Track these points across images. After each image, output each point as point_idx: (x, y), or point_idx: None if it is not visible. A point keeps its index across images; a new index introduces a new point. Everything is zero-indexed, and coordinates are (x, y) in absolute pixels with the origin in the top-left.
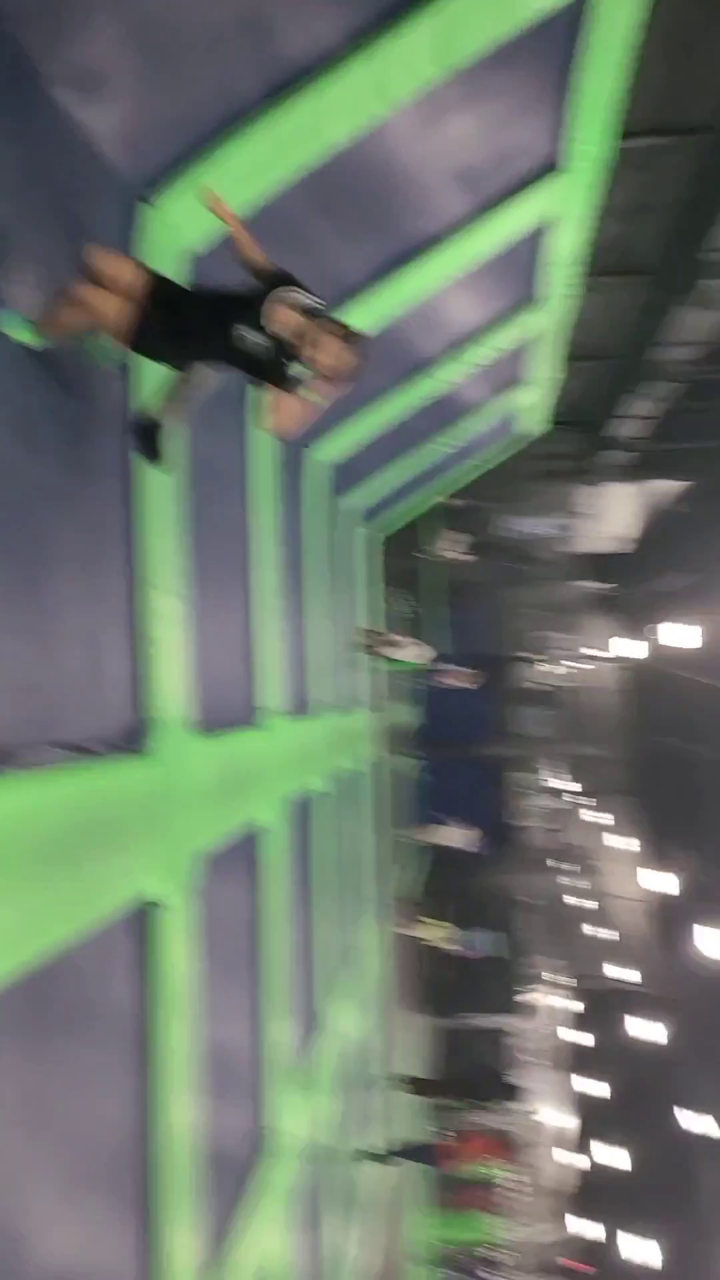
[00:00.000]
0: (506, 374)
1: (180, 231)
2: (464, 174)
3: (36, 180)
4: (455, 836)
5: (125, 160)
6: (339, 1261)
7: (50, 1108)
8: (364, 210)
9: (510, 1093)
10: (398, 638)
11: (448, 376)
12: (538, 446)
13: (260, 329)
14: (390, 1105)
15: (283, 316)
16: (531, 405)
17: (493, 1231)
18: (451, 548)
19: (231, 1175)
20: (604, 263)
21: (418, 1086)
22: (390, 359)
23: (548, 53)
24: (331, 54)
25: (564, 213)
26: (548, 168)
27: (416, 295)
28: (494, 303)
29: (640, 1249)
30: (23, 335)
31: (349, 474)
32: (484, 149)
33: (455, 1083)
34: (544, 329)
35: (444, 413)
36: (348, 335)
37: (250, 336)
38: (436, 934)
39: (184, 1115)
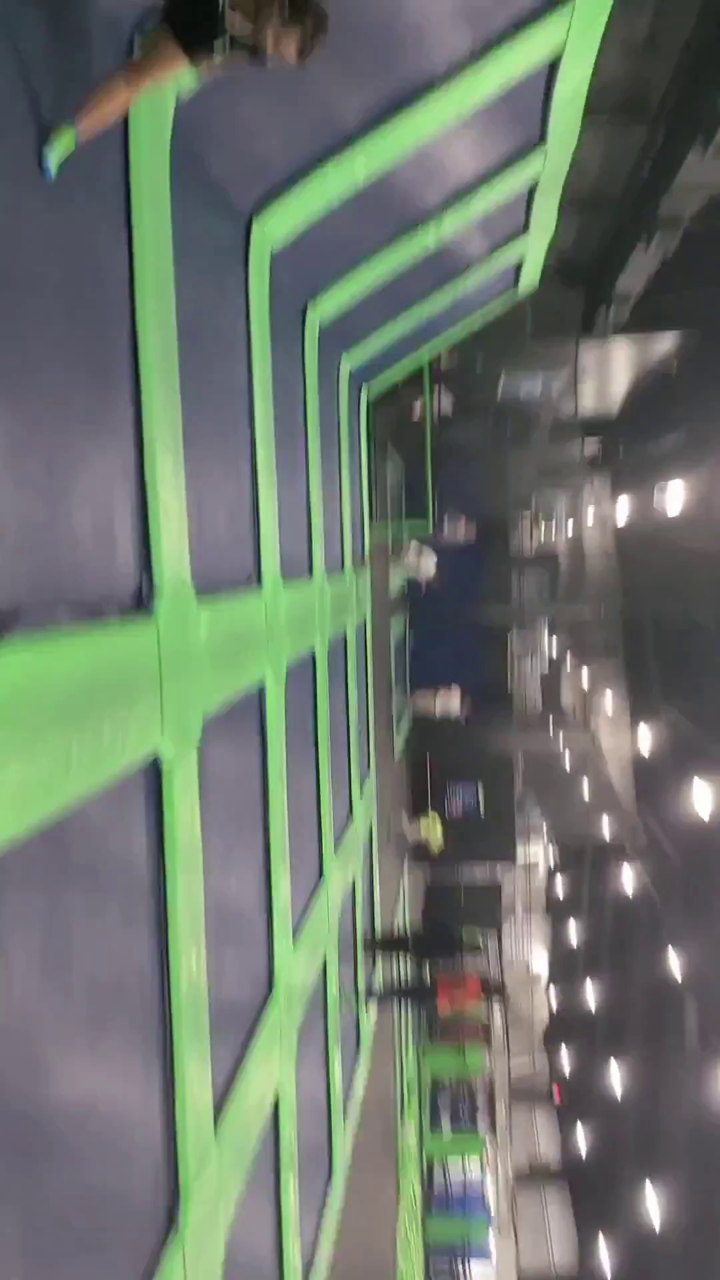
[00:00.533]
0: (505, 224)
1: None
2: (466, 7)
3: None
4: (444, 703)
5: None
6: (342, 1093)
7: (70, 954)
8: (361, 50)
9: (453, 949)
10: (404, 550)
11: (446, 227)
12: (533, 302)
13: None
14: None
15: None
16: (529, 257)
17: (479, 1063)
18: (435, 406)
19: (241, 1016)
20: (607, 102)
21: (373, 944)
22: (387, 210)
23: None
24: None
25: (570, 48)
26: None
27: (415, 140)
28: (495, 147)
29: (610, 1078)
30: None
31: (343, 333)
32: None
33: (403, 940)
34: (545, 175)
35: (440, 266)
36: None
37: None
38: (433, 832)
39: (196, 961)
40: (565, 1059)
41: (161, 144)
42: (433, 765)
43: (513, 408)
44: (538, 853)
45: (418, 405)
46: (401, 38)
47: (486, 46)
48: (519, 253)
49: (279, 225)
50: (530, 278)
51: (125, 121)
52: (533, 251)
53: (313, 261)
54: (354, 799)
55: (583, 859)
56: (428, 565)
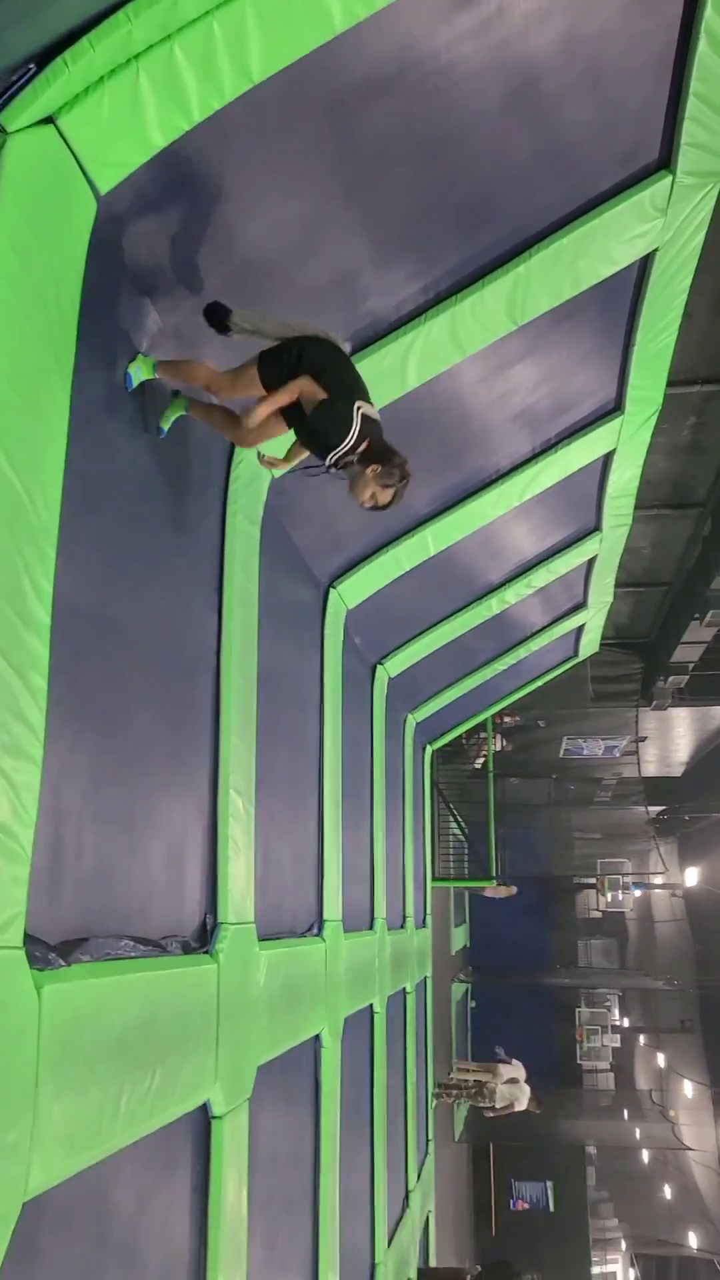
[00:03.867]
0: (565, 597)
1: None
2: (527, 415)
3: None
4: (500, 1071)
5: None
6: None
7: None
8: (433, 447)
9: None
10: (478, 1073)
11: (508, 599)
12: (594, 669)
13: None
14: None
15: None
16: (587, 628)
17: None
18: (496, 760)
19: None
20: (656, 496)
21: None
22: (453, 582)
23: (609, 311)
24: (414, 310)
25: (621, 451)
26: (606, 410)
27: (479, 523)
28: (553, 532)
29: None
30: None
31: (409, 692)
32: (546, 393)
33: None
34: (602, 556)
35: (503, 634)
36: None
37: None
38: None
39: None
40: None
41: (254, 515)
42: (495, 1156)
43: (575, 769)
44: (615, 1269)
45: (480, 760)
46: (469, 439)
47: (545, 448)
48: (579, 622)
49: (353, 593)
50: (590, 646)
51: (225, 492)
52: (592, 622)
53: (383, 626)
54: (410, 1185)
55: (668, 1276)
56: (523, 1094)
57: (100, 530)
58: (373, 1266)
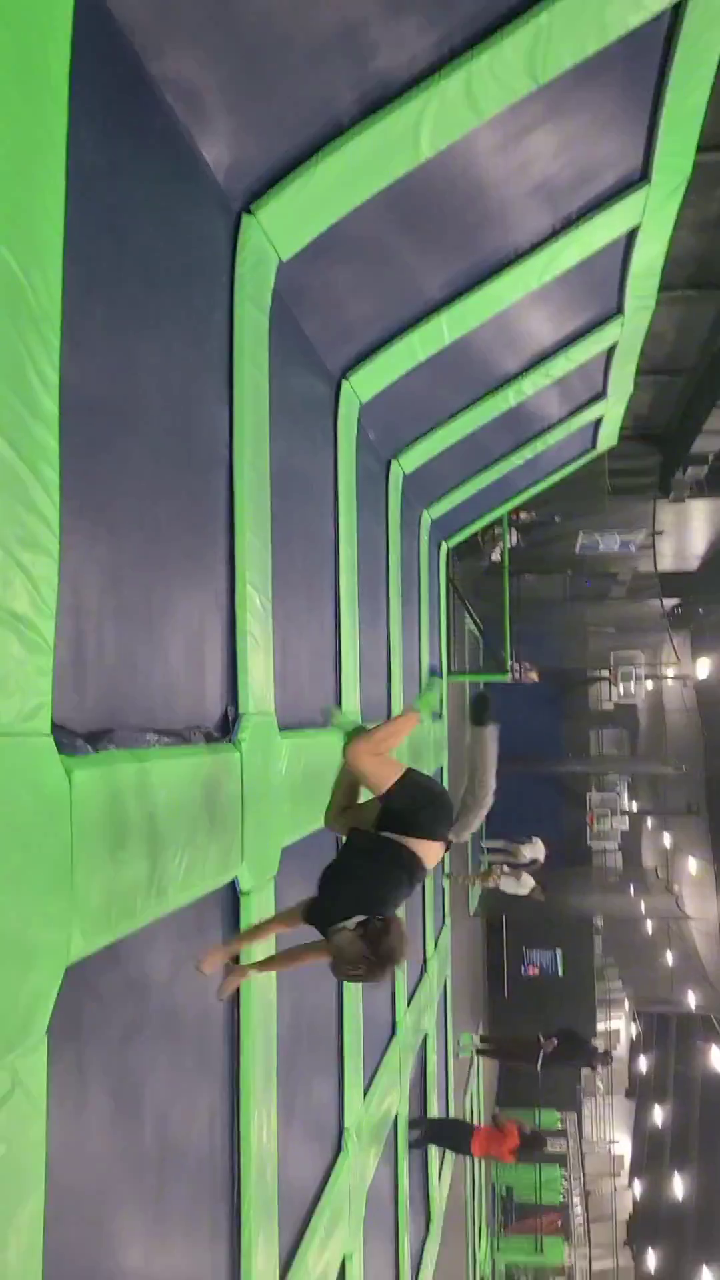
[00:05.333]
0: (583, 387)
1: (273, 240)
2: (547, 188)
3: (147, 187)
4: (523, 851)
5: (226, 171)
6: (411, 1268)
7: (141, 1086)
8: (446, 224)
9: (584, 1056)
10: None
11: (525, 389)
12: (611, 462)
13: None
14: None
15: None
16: (606, 420)
17: (558, 1256)
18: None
19: (309, 1177)
20: (680, 276)
21: (493, 1046)
22: (469, 374)
23: (635, 67)
24: (426, 67)
25: (646, 225)
26: (631, 181)
27: (495, 308)
28: (573, 315)
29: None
30: None
31: (424, 487)
32: (568, 162)
33: (530, 1045)
34: (623, 342)
35: (520, 426)
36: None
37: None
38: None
39: (267, 1116)
40: (651, 1259)
41: (262, 302)
42: (508, 925)
43: (591, 563)
44: (619, 1025)
45: (495, 553)
46: (486, 215)
47: (566, 224)
48: (597, 414)
49: (366, 385)
50: (608, 438)
51: (231, 276)
52: (610, 413)
53: (397, 419)
54: (428, 953)
55: (668, 1032)
56: (528, 882)
57: (104, 318)
58: (393, 1025)
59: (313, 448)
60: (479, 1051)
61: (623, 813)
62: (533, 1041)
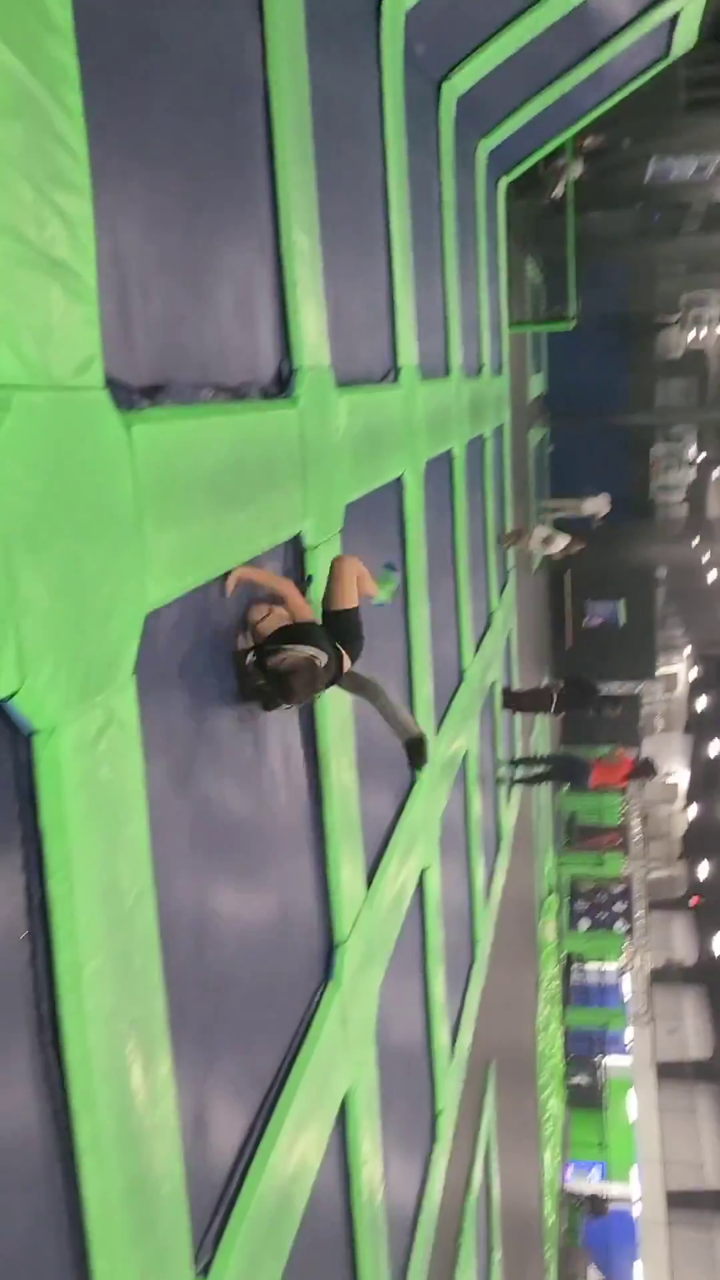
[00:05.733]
0: None
1: None
2: None
3: None
4: (584, 507)
5: None
6: (484, 882)
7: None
8: None
9: (596, 703)
10: (542, 531)
11: None
12: (688, 70)
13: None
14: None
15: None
16: (683, 16)
17: (617, 868)
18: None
19: (387, 800)
20: None
21: (511, 699)
22: None
23: None
24: None
25: None
26: None
27: None
28: None
29: None
30: None
31: (480, 114)
32: None
33: (544, 694)
34: None
35: (585, 30)
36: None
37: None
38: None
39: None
40: (704, 869)
41: None
42: (573, 579)
43: (662, 194)
44: (679, 668)
45: (558, 188)
46: None
47: None
48: (672, 10)
49: None
50: (686, 39)
51: None
52: (689, 9)
53: (447, 27)
54: (493, 606)
55: None
56: (559, 542)
57: None
58: (460, 673)
59: (355, 67)
60: (504, 705)
61: (689, 464)
62: (545, 691)
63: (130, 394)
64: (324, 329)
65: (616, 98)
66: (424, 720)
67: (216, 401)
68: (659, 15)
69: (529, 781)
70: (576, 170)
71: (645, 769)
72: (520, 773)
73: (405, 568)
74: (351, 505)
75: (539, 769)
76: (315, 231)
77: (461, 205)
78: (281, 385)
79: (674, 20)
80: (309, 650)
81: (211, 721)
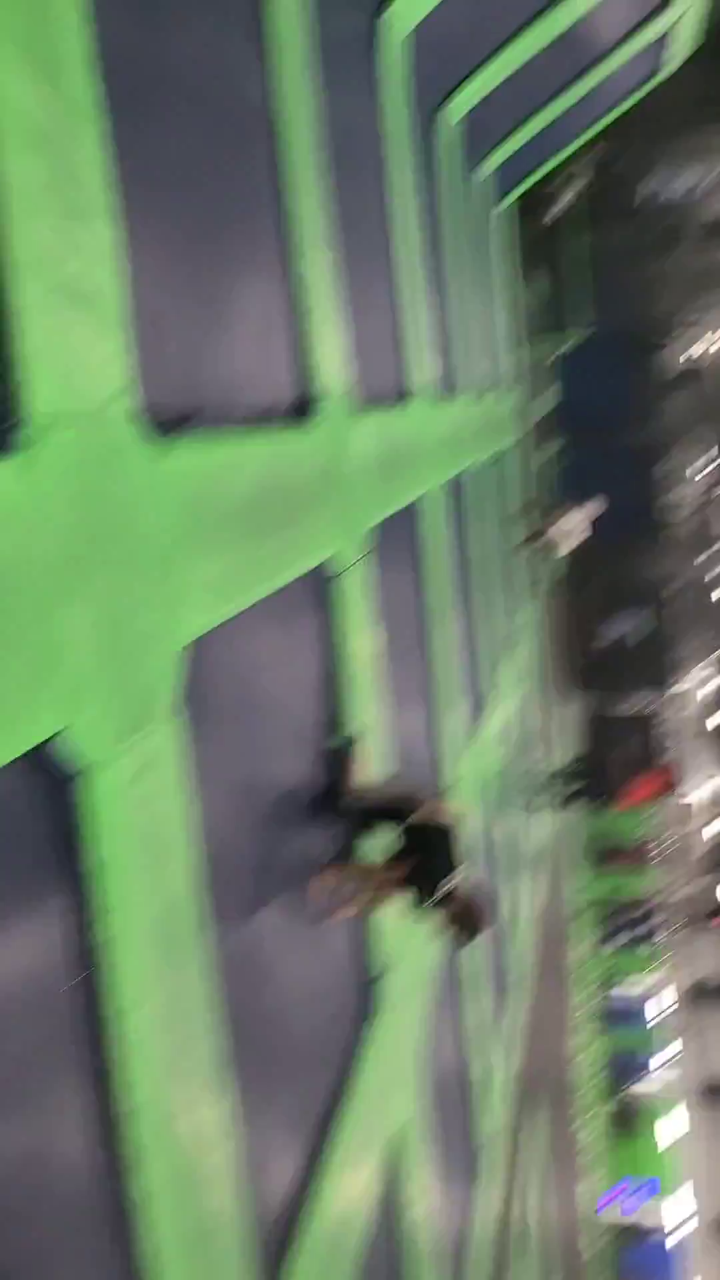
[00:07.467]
0: None
1: None
2: None
3: None
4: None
5: None
6: (515, 907)
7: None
8: None
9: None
10: (557, 518)
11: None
12: (686, 86)
13: None
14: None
15: None
16: (678, 29)
17: (645, 886)
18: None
19: None
20: None
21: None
22: None
23: None
24: None
25: None
26: None
27: None
28: None
29: None
30: None
31: (480, 135)
32: None
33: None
34: None
35: (580, 50)
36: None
37: None
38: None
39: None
40: None
41: None
42: (589, 594)
43: (661, 208)
44: (697, 681)
45: (560, 205)
46: None
47: None
48: (665, 25)
49: (409, 9)
50: (681, 50)
51: None
52: (683, 22)
53: (446, 53)
54: (516, 620)
55: None
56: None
57: None
58: (482, 693)
59: (358, 95)
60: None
61: (697, 479)
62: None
63: (159, 426)
64: (342, 354)
65: (614, 114)
66: (452, 746)
67: (242, 430)
68: (651, 32)
69: (562, 801)
70: (577, 188)
71: (668, 786)
72: (552, 791)
73: (429, 585)
74: (375, 527)
75: (574, 787)
76: (329, 259)
77: (467, 227)
78: (303, 412)
79: (666, 36)
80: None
81: (256, 752)
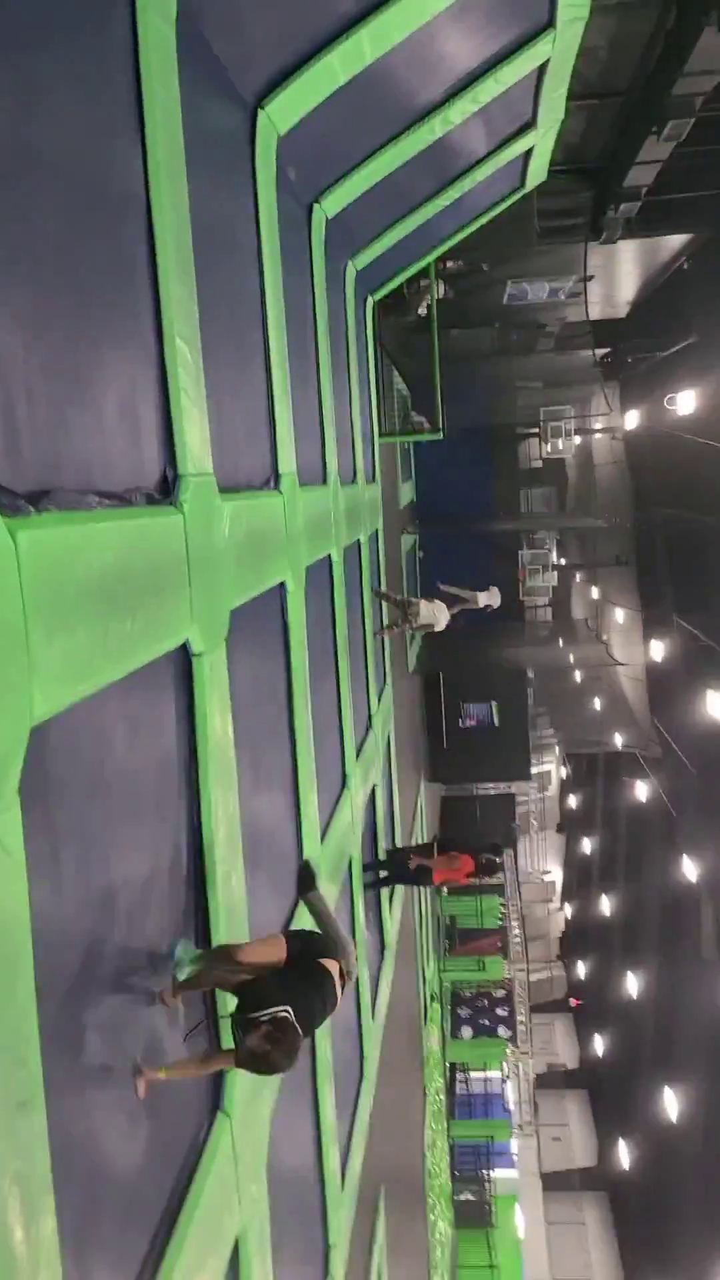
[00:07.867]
0: (512, 116)
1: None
2: None
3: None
4: (480, 598)
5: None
6: (370, 994)
7: (106, 842)
8: None
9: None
10: (418, 606)
11: (452, 117)
12: (541, 202)
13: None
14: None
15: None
16: (536, 152)
17: (498, 973)
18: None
19: (275, 916)
20: None
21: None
22: (392, 103)
23: None
24: None
25: None
26: None
27: (420, 19)
28: (501, 29)
29: (627, 985)
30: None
31: (349, 235)
32: None
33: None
34: (554, 60)
35: (446, 162)
36: None
37: None
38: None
39: (229, 849)
40: (582, 969)
41: (168, 11)
42: (445, 681)
43: (519, 314)
44: (551, 768)
45: (422, 306)
46: None
47: None
48: (526, 147)
49: (284, 114)
50: (538, 172)
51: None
52: (540, 145)
53: (318, 155)
54: (372, 709)
55: (595, 771)
56: (441, 615)
57: None
58: (344, 777)
59: (231, 189)
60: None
61: (553, 568)
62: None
63: (15, 500)
64: (207, 436)
65: (476, 224)
66: (308, 826)
67: (102, 508)
68: (514, 150)
69: (378, 885)
70: (439, 291)
71: (488, 867)
72: (369, 878)
73: (290, 672)
74: (236, 611)
75: (384, 873)
76: (197, 342)
77: (333, 321)
78: (166, 491)
79: (527, 155)
80: (272, 1012)
81: (104, 842)
